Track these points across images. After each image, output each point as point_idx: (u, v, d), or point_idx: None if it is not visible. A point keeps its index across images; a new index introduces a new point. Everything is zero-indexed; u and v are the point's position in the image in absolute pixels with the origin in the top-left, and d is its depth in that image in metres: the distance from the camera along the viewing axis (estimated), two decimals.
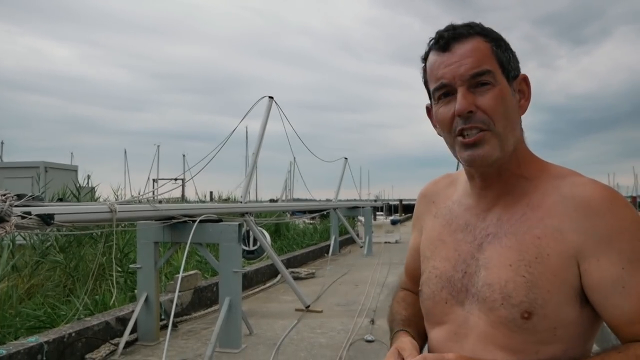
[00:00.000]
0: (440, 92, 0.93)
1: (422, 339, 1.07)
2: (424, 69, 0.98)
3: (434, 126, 1.02)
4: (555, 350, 0.88)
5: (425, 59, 0.98)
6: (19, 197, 2.86)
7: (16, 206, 2.75)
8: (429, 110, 1.04)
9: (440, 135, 1.00)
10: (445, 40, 0.92)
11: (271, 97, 5.81)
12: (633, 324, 0.84)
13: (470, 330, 0.94)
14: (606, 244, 0.84)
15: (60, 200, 4.53)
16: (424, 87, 1.01)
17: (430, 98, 1.00)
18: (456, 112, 0.89)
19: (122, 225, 6.27)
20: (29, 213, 2.84)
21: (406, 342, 0.98)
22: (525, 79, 0.97)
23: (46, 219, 2.95)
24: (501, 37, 0.95)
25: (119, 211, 3.53)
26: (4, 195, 2.65)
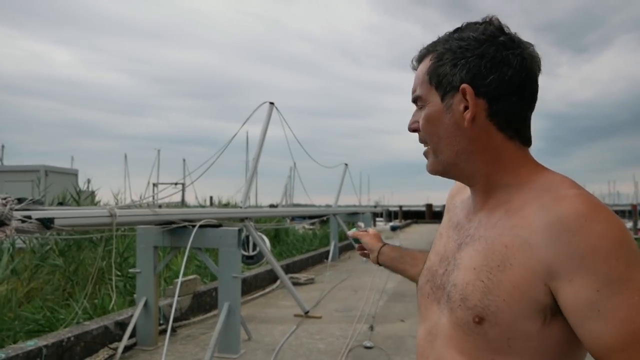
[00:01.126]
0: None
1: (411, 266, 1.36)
2: None
3: None
4: None
5: None
6: (20, 201, 2.87)
7: (16, 210, 2.76)
8: None
9: None
10: (413, 62, 1.04)
11: (272, 103, 5.83)
12: (614, 352, 0.77)
13: (440, 330, 0.96)
14: (578, 264, 0.78)
15: (61, 204, 4.54)
16: None
17: None
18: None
19: (122, 229, 6.29)
20: (29, 217, 2.85)
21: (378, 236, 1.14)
22: (462, 90, 0.92)
23: (46, 223, 2.96)
24: (453, 46, 0.94)
25: (118, 215, 3.54)
26: (5, 199, 2.66)
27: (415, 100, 1.01)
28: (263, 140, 5.85)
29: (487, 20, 0.95)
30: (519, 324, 0.83)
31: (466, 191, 1.09)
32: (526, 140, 0.95)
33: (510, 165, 0.95)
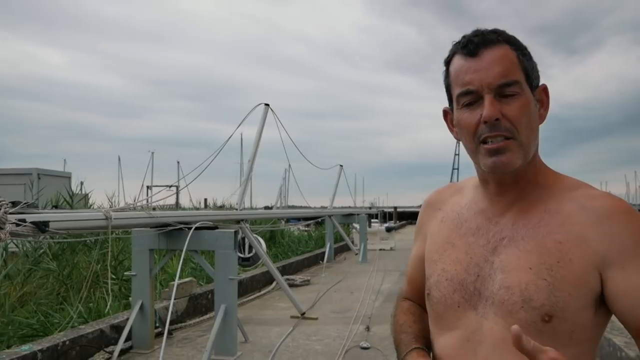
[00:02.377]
0: (466, 98, 0.93)
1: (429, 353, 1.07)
2: (447, 72, 0.99)
3: (451, 130, 1.03)
4: (570, 354, 0.87)
5: (448, 62, 0.98)
6: (14, 204, 2.85)
7: (11, 213, 2.74)
8: (446, 113, 1.04)
9: (457, 139, 1.01)
10: (474, 45, 0.92)
11: (267, 105, 5.82)
12: None
13: (484, 336, 0.92)
14: (631, 253, 0.86)
15: (55, 207, 4.50)
16: (445, 90, 1.01)
17: (450, 101, 1.01)
18: (484, 118, 0.90)
19: (117, 232, 6.25)
20: (24, 220, 2.82)
21: None
22: (545, 89, 0.98)
23: (41, 226, 2.93)
24: (525, 46, 0.96)
25: (114, 218, 3.51)
26: None
27: (507, 85, 0.90)
28: (259, 142, 5.84)
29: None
30: (581, 315, 0.88)
31: (457, 198, 1.09)
32: None
33: (543, 167, 1.00)
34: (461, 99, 0.94)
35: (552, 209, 0.93)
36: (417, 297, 1.17)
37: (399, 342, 1.07)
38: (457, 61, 0.95)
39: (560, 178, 1.00)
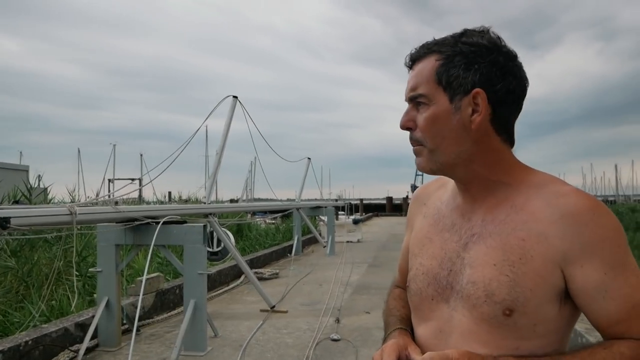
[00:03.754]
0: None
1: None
2: None
3: None
4: (534, 346, 0.93)
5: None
6: None
7: None
8: None
9: None
10: (410, 58, 1.03)
11: (235, 97, 5.75)
12: (616, 324, 0.91)
13: (454, 327, 0.98)
14: (590, 251, 0.90)
15: (16, 202, 4.33)
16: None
17: None
18: (399, 125, 1.02)
19: (80, 228, 6.04)
20: None
21: (409, 340, 1.04)
22: (476, 94, 0.96)
23: (2, 223, 2.82)
24: (464, 50, 0.96)
25: (79, 214, 3.41)
26: None
27: (414, 98, 0.99)
28: (227, 135, 5.77)
29: (485, 30, 0.99)
30: (542, 309, 0.92)
31: (441, 192, 1.14)
32: (513, 143, 1.03)
33: (507, 165, 1.02)
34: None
35: (518, 205, 0.97)
36: (404, 284, 1.23)
37: (386, 325, 1.15)
38: None
39: (532, 174, 1.02)
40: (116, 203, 4.09)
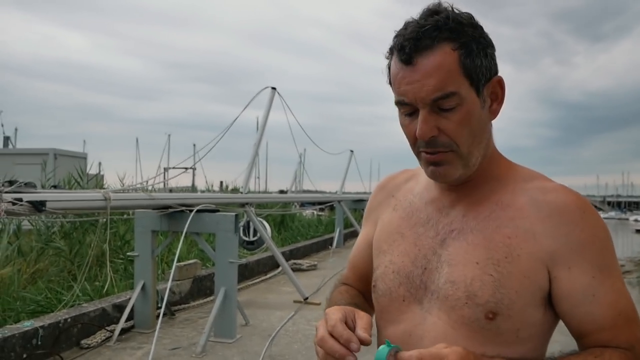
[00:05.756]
0: (403, 109, 0.88)
1: None
2: (389, 68, 0.90)
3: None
4: (515, 353, 0.85)
5: (391, 53, 0.89)
6: (10, 183, 2.89)
7: (7, 192, 2.78)
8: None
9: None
10: (409, 51, 0.83)
11: (274, 88, 5.78)
12: (602, 330, 0.84)
13: (427, 330, 0.89)
14: (578, 252, 0.84)
15: (54, 187, 4.56)
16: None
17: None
18: (418, 136, 0.84)
19: (127, 213, 6.33)
20: (20, 199, 2.86)
21: (359, 310, 0.88)
22: (499, 82, 0.89)
23: (38, 206, 2.97)
24: (475, 35, 0.85)
25: (113, 199, 3.54)
26: None
27: (442, 98, 0.82)
28: (264, 126, 5.82)
29: (457, 9, 0.86)
30: (527, 313, 0.84)
31: (412, 184, 1.04)
32: None
33: (496, 158, 0.95)
34: (398, 106, 0.88)
35: (503, 201, 0.89)
36: (357, 283, 1.12)
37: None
38: (394, 64, 0.87)
39: (515, 169, 0.95)
40: (170, 190, 4.22)
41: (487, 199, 0.91)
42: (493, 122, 0.93)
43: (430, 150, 0.86)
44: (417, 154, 0.90)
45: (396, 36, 0.87)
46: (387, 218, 1.03)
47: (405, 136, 0.91)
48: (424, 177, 0.99)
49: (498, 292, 0.83)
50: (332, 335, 0.79)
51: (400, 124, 0.91)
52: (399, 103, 0.87)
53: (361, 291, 1.11)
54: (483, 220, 0.89)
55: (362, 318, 0.83)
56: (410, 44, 0.82)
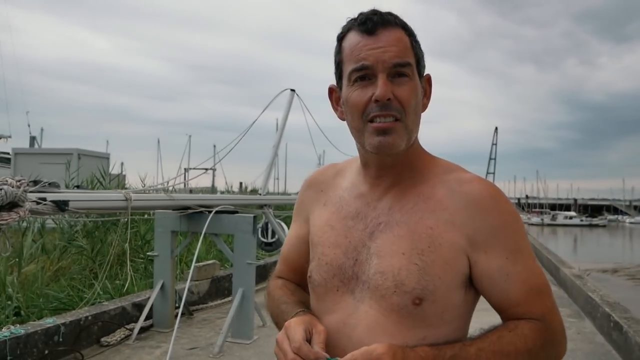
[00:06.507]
0: (359, 74, 0.93)
1: None
2: (339, 48, 0.98)
3: (335, 109, 1.04)
4: (440, 333, 0.92)
5: (341, 38, 0.98)
6: (35, 183, 2.95)
7: (31, 192, 2.83)
8: (331, 91, 1.04)
9: (342, 119, 1.01)
10: (373, 23, 0.92)
11: (293, 90, 5.81)
12: (517, 305, 0.93)
13: (360, 319, 0.94)
14: (493, 238, 0.92)
15: (77, 187, 4.65)
16: (334, 67, 1.01)
17: (338, 79, 1.00)
18: (376, 96, 0.91)
19: (147, 214, 6.42)
20: (44, 199, 2.92)
21: (314, 318, 0.97)
22: (429, 79, 1.00)
23: (61, 205, 3.03)
24: (415, 34, 0.98)
25: (134, 200, 3.59)
26: (19, 181, 2.73)
27: (400, 66, 0.91)
28: (284, 127, 5.85)
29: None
30: (450, 296, 0.92)
31: (339, 180, 1.08)
32: None
33: (420, 150, 1.02)
34: (354, 74, 0.93)
35: (425, 193, 0.96)
36: (292, 276, 1.17)
37: (279, 313, 1.07)
38: (353, 37, 0.95)
39: (435, 162, 1.02)
40: (191, 190, 4.27)
41: (411, 191, 0.97)
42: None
43: (383, 113, 0.90)
44: (363, 127, 0.94)
45: (352, 19, 0.96)
46: (318, 213, 1.08)
47: (349, 110, 0.96)
48: (350, 172, 1.07)
49: (423, 279, 0.90)
50: (297, 354, 0.87)
51: (345, 98, 0.96)
52: (356, 70, 0.92)
53: (296, 283, 1.16)
54: (407, 213, 0.95)
55: (319, 333, 0.90)
56: (376, 18, 0.93)
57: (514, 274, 0.92)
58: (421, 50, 0.98)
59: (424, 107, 0.99)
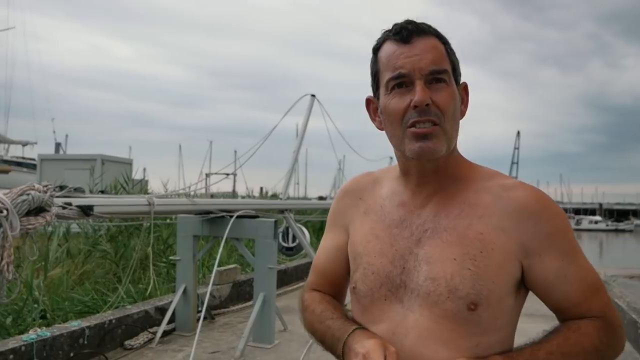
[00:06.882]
0: (396, 82, 0.94)
1: None
2: (375, 59, 1.00)
3: (373, 119, 1.04)
4: (493, 340, 0.92)
5: (377, 49, 0.99)
6: (61, 188, 3.00)
7: (57, 197, 2.89)
8: (369, 102, 1.04)
9: (380, 129, 1.01)
10: (408, 32, 0.94)
11: (313, 95, 5.82)
12: (577, 305, 0.94)
13: (410, 327, 0.93)
14: (547, 242, 0.93)
15: (102, 192, 4.73)
16: (371, 78, 1.02)
17: (375, 90, 1.01)
18: (414, 102, 0.91)
19: (170, 218, 6.51)
20: (70, 204, 2.97)
21: (385, 341, 0.93)
22: (465, 88, 1.02)
23: (86, 210, 3.08)
24: (449, 43, 1.00)
25: (157, 205, 3.63)
26: (46, 186, 2.79)
27: (437, 73, 0.93)
28: (304, 132, 5.86)
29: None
30: (503, 301, 0.92)
31: (377, 188, 1.07)
32: None
33: (460, 157, 1.03)
34: (391, 82, 0.94)
35: (470, 200, 0.96)
36: (328, 288, 1.13)
37: (325, 330, 1.03)
38: (389, 47, 0.96)
39: (475, 168, 1.02)
40: (212, 195, 4.30)
41: (454, 198, 0.97)
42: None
43: (422, 118, 0.91)
44: (402, 134, 0.94)
45: (387, 30, 0.98)
46: (359, 222, 1.07)
47: (388, 119, 0.96)
48: (389, 181, 1.06)
49: (477, 284, 0.90)
50: None
51: (383, 107, 0.97)
52: (393, 78, 0.93)
53: (332, 294, 1.14)
54: (454, 219, 0.95)
55: (392, 355, 0.88)
56: (410, 27, 0.94)
57: (571, 274, 0.94)
58: (456, 58, 0.99)
59: (462, 114, 1.00)
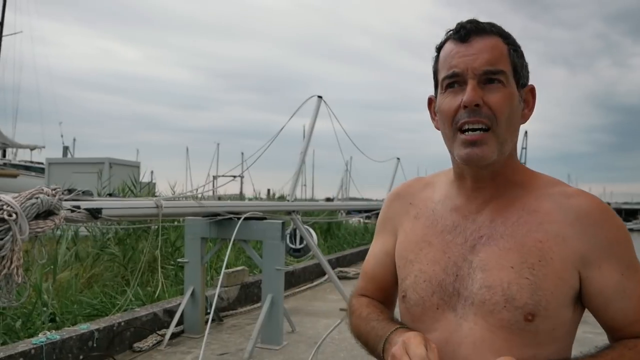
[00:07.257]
0: (450, 81, 0.92)
1: None
2: (437, 57, 0.98)
3: (433, 119, 1.02)
4: (550, 352, 0.89)
5: (439, 48, 0.97)
6: (69, 191, 3.02)
7: (66, 200, 2.90)
8: (430, 101, 1.03)
9: (438, 129, 0.98)
10: (466, 31, 0.91)
11: (320, 97, 5.80)
12: (633, 323, 0.90)
13: (464, 336, 0.90)
14: (607, 253, 0.88)
15: (110, 195, 4.74)
16: (432, 76, 1.01)
17: (436, 89, 0.99)
18: (464, 102, 0.88)
19: (177, 221, 6.52)
20: (78, 207, 2.98)
21: (426, 336, 0.89)
22: (532, 90, 0.98)
23: (94, 213, 3.09)
24: (518, 45, 0.95)
25: (164, 207, 3.63)
26: (54, 190, 2.80)
27: (492, 73, 0.88)
28: (311, 134, 5.85)
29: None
30: (561, 312, 0.89)
31: (429, 192, 1.04)
32: None
33: (518, 164, 0.99)
34: (445, 81, 0.92)
35: (530, 206, 0.92)
36: (377, 294, 1.12)
37: (369, 331, 1.01)
38: (448, 46, 0.94)
39: (536, 176, 0.99)
40: (219, 198, 4.30)
41: (513, 204, 0.93)
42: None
43: (472, 119, 0.88)
44: (453, 137, 0.92)
45: (450, 30, 0.95)
46: (409, 226, 1.04)
47: (441, 118, 0.94)
48: (442, 185, 1.03)
49: (535, 294, 0.86)
50: None
51: (438, 106, 0.95)
52: (447, 77, 0.91)
53: (381, 301, 1.12)
54: (512, 226, 0.91)
55: (433, 350, 0.84)
56: (470, 26, 0.91)
57: (630, 289, 0.89)
58: (522, 59, 0.95)
59: (525, 118, 0.96)
